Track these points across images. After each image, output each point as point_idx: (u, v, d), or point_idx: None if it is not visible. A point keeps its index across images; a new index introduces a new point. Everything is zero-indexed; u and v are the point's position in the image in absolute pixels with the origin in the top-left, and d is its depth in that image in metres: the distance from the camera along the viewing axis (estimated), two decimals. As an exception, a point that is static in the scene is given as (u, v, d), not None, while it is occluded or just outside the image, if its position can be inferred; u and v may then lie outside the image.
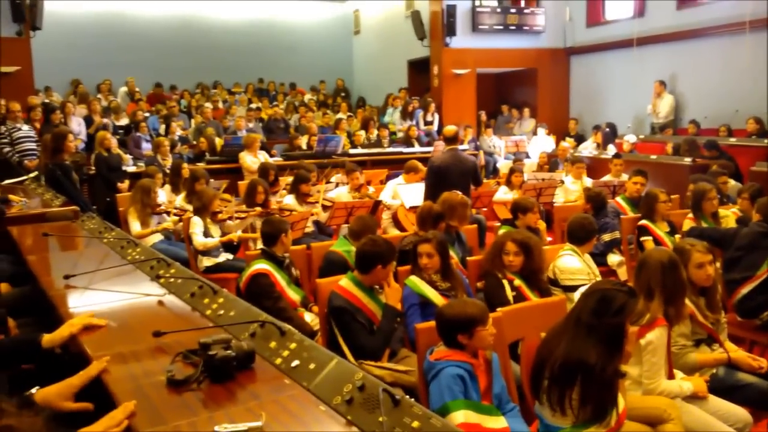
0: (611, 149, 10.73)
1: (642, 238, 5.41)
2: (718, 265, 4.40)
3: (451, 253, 4.29)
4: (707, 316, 3.46)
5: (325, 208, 6.76)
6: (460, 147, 7.66)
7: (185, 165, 7.77)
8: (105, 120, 11.12)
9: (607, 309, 2.49)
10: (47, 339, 2.46)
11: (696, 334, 3.45)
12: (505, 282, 3.92)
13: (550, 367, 2.55)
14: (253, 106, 14.36)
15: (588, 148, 11.28)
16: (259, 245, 4.61)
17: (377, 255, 3.56)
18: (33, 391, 2.05)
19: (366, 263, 3.58)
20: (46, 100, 11.73)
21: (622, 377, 2.62)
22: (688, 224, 5.42)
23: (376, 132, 11.94)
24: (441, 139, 10.55)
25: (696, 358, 3.38)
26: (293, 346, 2.19)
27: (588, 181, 7.99)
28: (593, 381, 2.45)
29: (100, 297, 2.95)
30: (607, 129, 11.85)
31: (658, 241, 5.25)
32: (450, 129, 6.80)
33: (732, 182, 7.20)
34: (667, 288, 3.13)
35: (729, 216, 5.64)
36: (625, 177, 7.85)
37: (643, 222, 5.47)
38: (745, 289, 4.29)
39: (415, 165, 7.54)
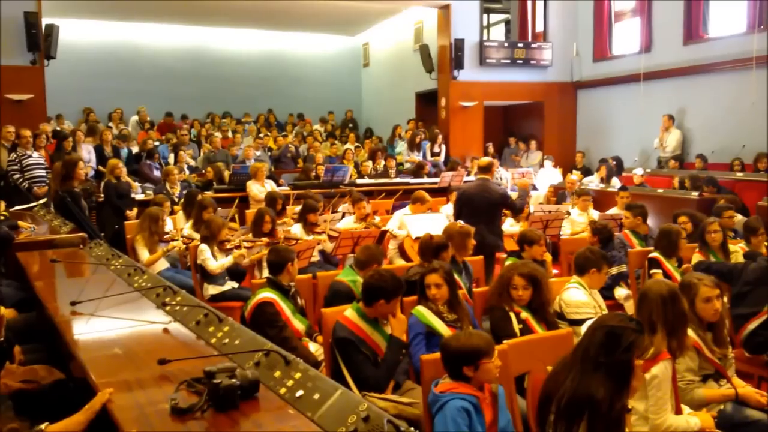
0: (615, 182, 10.74)
1: (651, 271, 5.37)
2: (725, 299, 4.37)
3: (459, 283, 4.28)
4: (714, 351, 3.43)
5: (331, 238, 6.77)
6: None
7: (200, 194, 7.80)
8: (122, 148, 11.29)
9: (616, 345, 2.46)
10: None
11: (703, 369, 3.42)
12: (511, 315, 3.90)
13: (556, 401, 2.52)
14: (261, 135, 14.49)
15: (594, 182, 11.30)
16: (265, 274, 4.61)
17: (381, 290, 3.53)
18: (42, 427, 2.05)
19: (369, 296, 3.56)
20: (57, 128, 11.86)
21: (628, 412, 2.59)
22: (696, 258, 5.40)
23: (383, 162, 12.00)
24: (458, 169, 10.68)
25: (703, 393, 3.34)
26: (298, 375, 2.18)
27: (594, 214, 7.99)
28: (601, 417, 2.41)
29: (106, 324, 2.95)
30: (614, 162, 11.87)
31: (667, 275, 5.22)
32: (484, 160, 6.93)
33: (739, 217, 7.18)
34: (668, 320, 3.11)
35: (738, 251, 5.62)
36: (614, 211, 7.89)
37: (655, 255, 5.42)
38: (752, 325, 4.26)
39: (422, 196, 7.57)
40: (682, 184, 9.68)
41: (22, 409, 2.26)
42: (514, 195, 9.16)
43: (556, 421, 2.51)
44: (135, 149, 11.97)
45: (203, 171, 10.81)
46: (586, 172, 12.61)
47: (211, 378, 2.05)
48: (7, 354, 2.63)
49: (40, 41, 10.83)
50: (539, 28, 14.71)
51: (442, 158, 12.80)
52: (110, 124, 13.78)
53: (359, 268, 4.55)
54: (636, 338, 2.49)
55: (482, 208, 6.31)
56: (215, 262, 5.76)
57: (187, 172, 10.68)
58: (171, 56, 16.72)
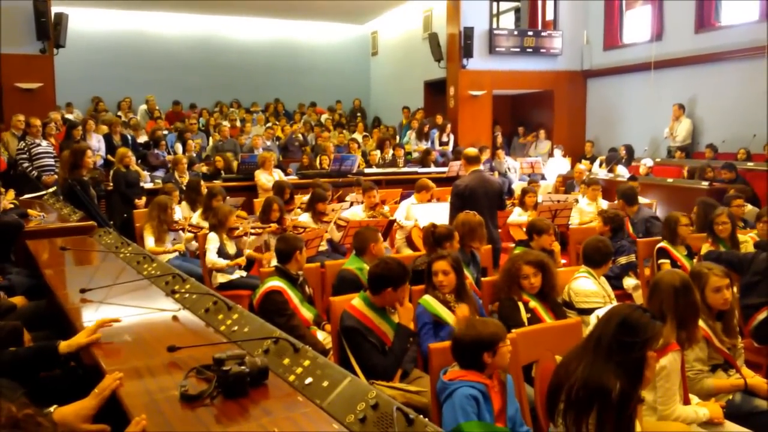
0: (622, 171, 10.69)
1: (660, 261, 5.35)
2: (735, 289, 4.35)
3: (466, 273, 4.27)
4: (724, 341, 3.42)
5: (339, 227, 6.77)
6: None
7: (202, 183, 7.82)
8: (128, 135, 11.34)
9: (630, 338, 2.44)
10: (65, 345, 2.49)
11: (712, 359, 3.41)
12: (520, 304, 3.89)
13: (567, 390, 2.51)
14: (270, 124, 14.49)
15: (601, 172, 11.25)
16: (273, 263, 4.62)
17: (388, 278, 3.52)
18: (51, 409, 2.07)
19: (377, 285, 3.55)
20: (67, 116, 11.89)
21: (640, 403, 2.58)
22: (706, 248, 5.37)
23: (391, 152, 11.98)
24: (461, 160, 10.58)
25: (712, 383, 3.33)
26: (307, 363, 2.19)
27: (603, 203, 7.96)
28: (611, 407, 2.41)
29: (115, 311, 2.97)
30: (625, 151, 11.81)
31: (676, 264, 5.20)
32: (471, 151, 6.65)
33: (749, 207, 7.14)
34: (679, 312, 3.09)
35: (748, 241, 5.58)
36: (641, 200, 7.82)
37: (663, 244, 5.41)
38: (762, 315, 4.24)
39: (426, 183, 7.55)
40: (692, 173, 9.63)
41: (32, 396, 2.27)
42: (523, 185, 9.15)
43: (565, 410, 2.51)
44: (144, 138, 12.00)
45: (212, 160, 10.83)
46: (596, 161, 12.57)
47: (220, 365, 2.06)
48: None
49: (50, 30, 10.84)
50: (549, 16, 14.61)
51: (450, 147, 12.76)
52: (119, 113, 13.81)
53: (359, 254, 4.58)
54: (651, 335, 2.47)
55: (484, 201, 6.19)
56: (214, 257, 5.73)
57: (197, 161, 10.69)
58: (180, 45, 16.71)
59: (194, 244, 6.43)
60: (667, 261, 5.28)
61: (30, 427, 1.56)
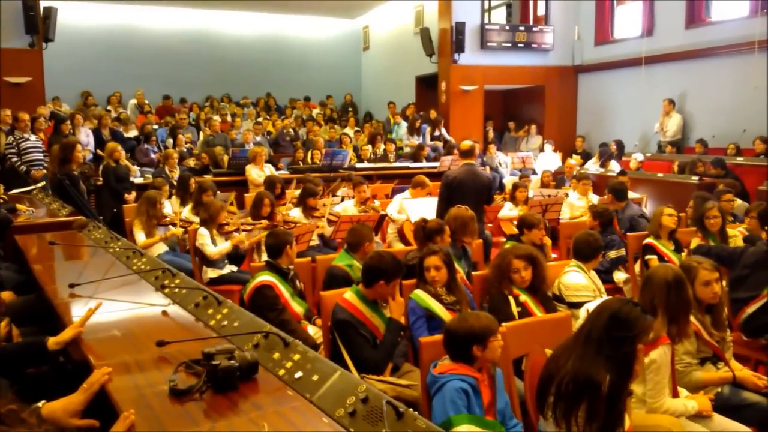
0: (614, 166, 10.72)
1: (647, 257, 5.37)
2: (724, 283, 4.37)
3: (458, 267, 4.27)
4: (713, 334, 3.44)
5: (330, 222, 6.76)
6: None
7: (193, 178, 7.78)
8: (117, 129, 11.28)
9: (620, 332, 2.45)
10: (53, 341, 2.48)
11: (701, 352, 3.43)
12: (510, 298, 3.90)
13: (557, 383, 2.52)
14: (260, 119, 14.43)
15: (593, 167, 11.29)
16: (264, 257, 4.61)
17: (381, 271, 3.53)
18: (39, 404, 2.06)
19: (369, 277, 3.56)
20: (54, 110, 11.80)
21: (629, 396, 2.59)
22: (695, 242, 5.39)
23: (382, 146, 11.96)
24: (455, 154, 10.59)
25: (701, 376, 3.35)
26: (297, 357, 2.19)
27: (594, 198, 7.98)
28: (601, 400, 2.42)
29: (104, 306, 2.94)
30: (615, 146, 11.84)
31: (663, 259, 5.22)
32: (465, 144, 6.62)
33: (739, 201, 7.17)
34: (670, 306, 3.10)
35: (737, 236, 5.61)
36: (631, 195, 7.83)
37: (649, 240, 5.43)
38: (750, 309, 4.26)
39: (422, 180, 7.55)
40: (683, 168, 9.67)
41: (20, 392, 2.26)
42: (514, 179, 9.14)
43: (555, 403, 2.52)
44: (134, 132, 11.93)
45: (201, 155, 10.79)
46: (587, 156, 12.60)
47: (209, 359, 2.06)
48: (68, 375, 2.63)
49: (39, 24, 10.77)
50: (541, 11, 14.62)
51: (442, 142, 12.75)
52: (108, 108, 13.73)
53: (352, 251, 4.56)
54: (641, 329, 2.48)
55: (472, 195, 6.17)
56: (214, 247, 5.73)
57: (188, 156, 10.64)
58: (170, 39, 16.63)
59: (186, 236, 6.40)
60: (655, 257, 5.30)
61: (13, 422, 1.55)
